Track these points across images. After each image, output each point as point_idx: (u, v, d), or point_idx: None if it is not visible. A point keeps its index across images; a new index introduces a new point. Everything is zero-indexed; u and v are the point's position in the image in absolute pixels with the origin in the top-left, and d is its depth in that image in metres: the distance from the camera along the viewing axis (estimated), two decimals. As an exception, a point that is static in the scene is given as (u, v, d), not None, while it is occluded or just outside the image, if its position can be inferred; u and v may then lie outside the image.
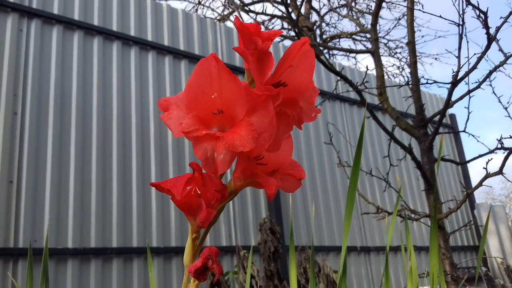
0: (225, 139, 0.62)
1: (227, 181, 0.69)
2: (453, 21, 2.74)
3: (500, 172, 2.43)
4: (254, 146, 0.64)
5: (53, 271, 3.01)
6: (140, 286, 3.31)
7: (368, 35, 6.23)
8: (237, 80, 0.67)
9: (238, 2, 5.02)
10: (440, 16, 2.78)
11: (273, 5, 3.39)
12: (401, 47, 6.87)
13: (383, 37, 6.59)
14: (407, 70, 6.80)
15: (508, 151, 2.36)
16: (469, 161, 3.00)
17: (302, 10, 6.09)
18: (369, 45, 6.63)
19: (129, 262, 3.32)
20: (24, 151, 3.10)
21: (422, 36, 6.42)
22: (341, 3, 6.13)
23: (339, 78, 3.30)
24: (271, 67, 0.70)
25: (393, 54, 6.96)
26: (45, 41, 3.41)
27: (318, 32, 6.44)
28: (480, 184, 2.52)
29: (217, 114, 0.68)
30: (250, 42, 0.72)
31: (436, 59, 7.59)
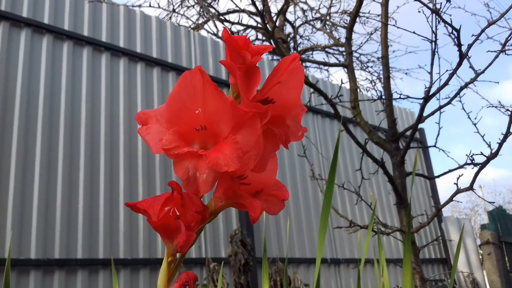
0: (209, 157, 0.57)
1: (205, 201, 0.65)
2: (426, 38, 2.78)
3: (470, 187, 2.46)
4: (239, 165, 0.60)
5: (15, 283, 2.88)
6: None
7: (341, 49, 6.29)
8: (223, 95, 0.64)
9: (213, 11, 5.00)
10: (414, 32, 2.81)
11: (249, 16, 3.38)
12: (373, 61, 6.98)
13: (355, 51, 6.68)
14: (379, 84, 6.91)
15: (479, 167, 2.39)
16: (439, 176, 3.04)
17: (277, 22, 6.12)
18: (341, 58, 6.71)
19: (94, 274, 3.22)
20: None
21: (393, 51, 6.55)
22: (315, 16, 6.19)
23: (312, 90, 3.30)
24: (258, 82, 0.66)
25: (365, 67, 7.06)
26: (12, 45, 3.29)
27: (292, 44, 6.47)
28: (450, 199, 2.55)
29: (200, 130, 0.64)
30: (238, 56, 0.68)
31: (406, 73, 7.72)
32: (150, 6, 3.13)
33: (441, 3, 2.84)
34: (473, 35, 2.89)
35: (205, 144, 0.63)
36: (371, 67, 7.27)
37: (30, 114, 3.23)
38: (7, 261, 0.69)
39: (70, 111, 3.42)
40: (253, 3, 2.40)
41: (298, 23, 7.03)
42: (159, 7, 3.64)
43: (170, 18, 5.77)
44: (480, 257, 6.02)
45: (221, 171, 0.57)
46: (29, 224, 3.02)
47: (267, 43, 7.20)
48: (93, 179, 3.39)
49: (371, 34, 4.80)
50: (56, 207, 3.16)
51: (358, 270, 0.93)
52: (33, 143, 3.18)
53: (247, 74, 0.65)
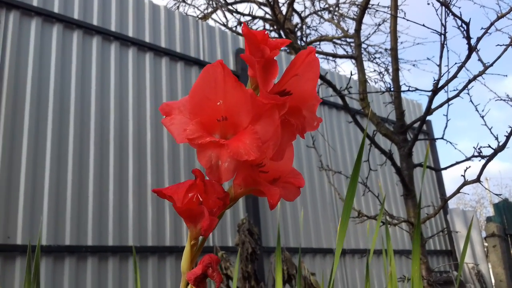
0: (230, 147, 0.61)
1: (225, 187, 0.68)
2: (435, 31, 2.79)
3: (477, 180, 2.49)
4: (259, 154, 0.63)
5: (25, 268, 2.94)
6: (115, 285, 3.26)
7: (349, 39, 6.28)
8: (243, 88, 0.67)
9: (222, 1, 5.00)
10: (423, 25, 2.82)
11: (259, 7, 3.38)
12: (380, 52, 6.96)
13: (363, 42, 6.67)
14: (387, 76, 6.89)
15: (487, 159, 2.41)
16: (446, 168, 3.06)
17: (284, 12, 6.11)
18: (349, 49, 6.71)
19: (104, 260, 3.27)
20: (-1, 146, 3.02)
21: (401, 43, 6.52)
22: (323, 6, 6.17)
23: (321, 82, 3.32)
24: (276, 75, 0.69)
25: (372, 59, 7.05)
26: (23, 33, 3.32)
27: (299, 34, 6.46)
28: (457, 191, 2.57)
29: (221, 120, 0.67)
30: (257, 50, 0.71)
31: (414, 65, 7.71)
32: (160, -4, 3.12)
33: (451, -5, 2.84)
34: (482, 28, 2.89)
35: (225, 133, 0.66)
36: (379, 58, 7.26)
37: (40, 105, 3.27)
38: (37, 249, 0.72)
39: (80, 100, 3.45)
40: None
41: (305, 13, 7.03)
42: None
43: (178, 7, 5.76)
44: (485, 249, 6.04)
45: (242, 159, 0.60)
46: (40, 212, 3.07)
47: (275, 34, 7.22)
48: (103, 169, 3.43)
49: (379, 25, 4.79)
50: (67, 194, 3.21)
51: (367, 261, 0.96)
52: (43, 133, 3.23)
53: (265, 67, 0.69)
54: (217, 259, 0.69)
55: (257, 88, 0.70)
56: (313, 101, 0.75)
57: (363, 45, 6.96)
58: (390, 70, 3.23)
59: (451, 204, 21.45)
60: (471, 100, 3.04)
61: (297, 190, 0.84)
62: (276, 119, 0.65)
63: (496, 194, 2.74)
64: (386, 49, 6.60)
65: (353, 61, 3.14)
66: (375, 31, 5.92)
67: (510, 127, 2.65)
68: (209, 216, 0.62)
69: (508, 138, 2.56)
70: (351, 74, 2.86)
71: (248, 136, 0.62)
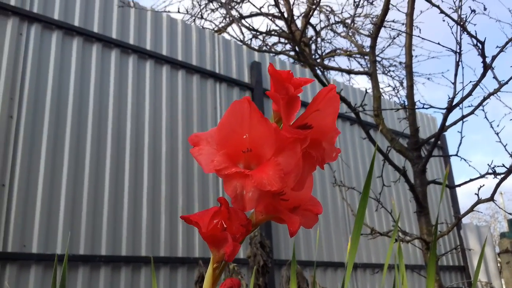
0: (254, 177, 0.64)
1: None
2: (450, 49, 2.80)
3: (491, 198, 2.48)
4: (281, 185, 0.67)
5: (41, 277, 2.99)
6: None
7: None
8: (268, 122, 0.70)
9: (236, 14, 5.05)
10: (439, 43, 2.84)
11: (273, 22, 3.43)
12: (395, 65, 6.96)
13: (377, 55, 6.67)
14: (402, 89, 6.88)
15: (501, 178, 2.41)
16: (460, 185, 3.06)
17: (299, 24, 6.16)
18: (363, 62, 6.71)
19: (117, 270, 3.31)
20: (18, 154, 3.09)
21: (416, 56, 6.51)
22: (336, 19, 6.21)
23: (336, 97, 3.33)
24: (297, 110, 0.73)
25: (386, 72, 7.05)
26: (44, 46, 3.40)
27: (313, 47, 6.50)
28: (471, 209, 2.57)
29: (246, 152, 0.69)
30: (281, 88, 0.75)
31: (428, 79, 7.67)
32: (178, 11, 3.17)
33: (466, 14, 2.86)
34: (497, 46, 2.90)
35: (249, 164, 0.70)
36: (393, 71, 7.25)
37: (59, 115, 3.34)
38: (64, 258, 0.75)
39: (98, 111, 3.52)
40: (281, 13, 2.45)
41: (320, 26, 7.07)
42: (187, 12, 3.71)
43: (194, 21, 5.83)
44: (499, 265, 5.98)
45: (265, 190, 0.63)
46: (56, 220, 3.13)
47: (289, 46, 7.27)
48: (118, 175, 3.49)
49: (394, 38, 4.80)
50: (83, 204, 3.26)
51: (384, 278, 0.98)
52: (61, 142, 3.29)
53: (288, 103, 0.72)
54: (239, 282, 0.73)
55: (280, 121, 0.74)
56: (332, 134, 0.79)
57: (378, 58, 6.97)
58: (405, 84, 3.23)
59: (465, 219, 21.21)
60: (486, 117, 3.04)
61: (315, 217, 0.87)
62: (298, 152, 0.68)
63: (510, 213, 2.73)
64: (400, 63, 6.62)
65: (369, 77, 3.16)
66: (389, 45, 5.94)
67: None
68: (232, 242, 0.65)
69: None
70: (366, 91, 2.88)
71: (271, 168, 0.65)
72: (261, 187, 0.63)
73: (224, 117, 0.69)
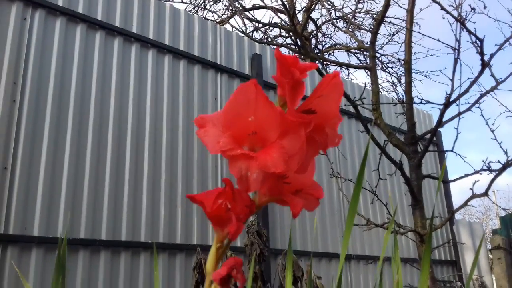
0: (259, 159, 0.67)
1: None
2: (450, 46, 2.85)
3: (485, 194, 2.55)
4: (285, 167, 0.70)
5: (42, 260, 3.03)
6: (126, 278, 3.36)
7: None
8: (273, 106, 0.74)
9: (239, 6, 5.08)
10: (438, 40, 2.89)
11: (276, 14, 3.46)
12: (393, 62, 7.00)
13: (377, 51, 6.71)
14: (400, 86, 6.92)
15: (495, 174, 2.47)
16: (455, 180, 3.12)
17: (300, 19, 6.19)
18: (362, 58, 6.76)
19: (116, 255, 3.37)
20: (20, 138, 3.12)
21: (414, 53, 6.55)
22: (338, 14, 6.24)
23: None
24: (302, 95, 0.77)
25: (385, 68, 7.09)
26: (48, 31, 3.43)
27: (314, 41, 6.53)
28: (465, 204, 2.63)
29: (251, 134, 0.74)
30: (287, 72, 0.78)
31: (426, 76, 7.72)
32: (182, 2, 3.21)
33: (466, 12, 2.90)
34: (496, 44, 2.94)
35: (254, 146, 0.73)
36: (392, 67, 7.28)
37: (62, 100, 3.37)
38: (64, 241, 0.79)
39: (100, 98, 3.56)
40: (284, 5, 2.49)
41: (321, 20, 7.09)
42: (190, 3, 3.74)
43: (197, 11, 5.86)
44: (490, 261, 6.07)
45: (269, 171, 0.67)
46: (58, 204, 3.17)
47: (290, 40, 7.32)
48: (119, 163, 3.53)
49: (393, 35, 4.85)
50: (84, 189, 3.31)
51: (381, 269, 1.02)
52: (64, 127, 3.33)
53: (293, 88, 0.76)
54: (241, 261, 0.76)
55: (284, 106, 0.78)
56: (335, 120, 0.83)
57: (377, 55, 7.00)
58: (403, 80, 3.27)
59: (458, 215, 21.36)
60: (482, 114, 3.09)
61: (317, 201, 0.89)
62: (302, 136, 0.73)
63: (504, 209, 2.79)
64: (399, 59, 6.67)
65: (367, 71, 3.20)
66: (388, 41, 5.99)
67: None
68: (236, 221, 0.68)
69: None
70: (365, 85, 2.93)
71: (275, 150, 0.68)
72: (265, 169, 0.66)
73: (231, 100, 0.72)
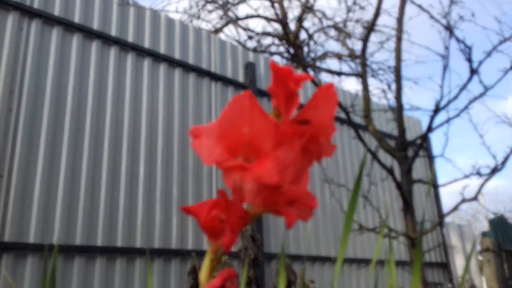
0: (253, 170, 0.68)
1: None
2: (439, 53, 2.93)
3: (475, 198, 2.62)
4: (280, 178, 0.73)
5: (37, 267, 3.05)
6: (122, 284, 3.39)
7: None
8: (267, 117, 0.75)
9: (233, 16, 5.16)
10: (428, 48, 2.96)
11: (269, 23, 3.52)
12: (383, 69, 7.08)
13: (367, 59, 6.76)
14: (390, 92, 6.96)
15: (485, 178, 2.54)
16: (445, 185, 3.18)
17: (292, 27, 6.28)
18: (353, 65, 6.85)
19: (112, 261, 3.39)
20: (17, 147, 3.15)
21: (404, 61, 6.65)
22: (330, 24, 6.30)
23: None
24: (297, 106, 0.80)
25: (375, 75, 7.16)
26: (44, 41, 3.47)
27: (306, 49, 6.60)
28: (455, 208, 2.70)
29: (245, 146, 0.76)
30: (282, 83, 0.81)
31: (415, 83, 7.80)
32: (176, 11, 3.26)
33: (454, 20, 2.98)
34: (484, 52, 3.02)
35: (248, 157, 0.75)
36: (382, 74, 7.37)
37: (58, 110, 3.41)
38: (54, 250, 0.82)
39: (96, 107, 3.60)
40: (276, 15, 2.55)
41: (313, 29, 7.17)
42: (185, 12, 3.80)
43: (191, 21, 5.92)
44: (480, 263, 6.15)
45: (264, 182, 0.67)
46: (54, 212, 3.20)
47: (283, 48, 7.39)
48: (115, 170, 3.57)
49: (383, 43, 4.93)
50: (80, 196, 3.34)
51: (376, 273, 1.06)
52: (60, 136, 3.37)
53: (288, 99, 0.80)
54: (235, 273, 0.73)
55: (279, 116, 0.82)
56: (330, 130, 0.86)
57: (367, 62, 7.07)
58: (393, 87, 3.34)
59: (447, 218, 21.42)
60: (471, 120, 3.17)
61: (311, 211, 0.90)
62: (297, 146, 0.73)
63: (494, 213, 2.86)
64: (389, 67, 6.75)
65: (358, 78, 3.27)
66: (379, 49, 6.05)
67: (509, 147, 2.77)
68: (230, 233, 0.68)
69: (506, 159, 2.69)
70: (357, 93, 2.99)
71: (270, 161, 0.69)
72: (260, 180, 0.67)
73: (225, 111, 0.74)
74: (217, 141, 0.70)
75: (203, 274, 0.68)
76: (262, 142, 0.73)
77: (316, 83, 2.92)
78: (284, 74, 0.81)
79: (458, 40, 2.88)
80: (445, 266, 6.18)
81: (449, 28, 2.98)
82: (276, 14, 2.76)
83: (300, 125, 0.78)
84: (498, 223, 6.46)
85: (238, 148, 0.72)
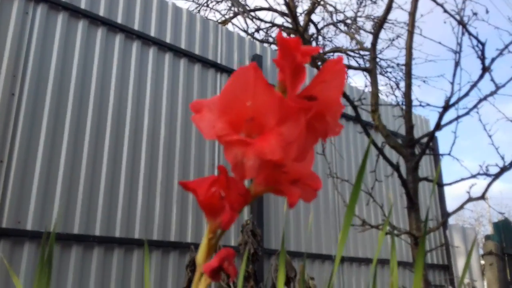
0: (255, 146, 0.64)
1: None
2: (451, 49, 2.86)
3: (482, 197, 2.55)
4: (283, 155, 0.68)
5: (34, 253, 3.02)
6: (119, 275, 3.34)
7: (362, 52, 6.35)
8: (272, 90, 0.71)
9: (243, 8, 5.09)
10: (440, 43, 2.89)
11: (282, 16, 3.46)
12: (392, 66, 7.02)
13: (377, 55, 6.71)
14: (398, 90, 6.93)
15: (493, 177, 2.47)
16: (451, 183, 3.12)
17: (302, 21, 6.20)
18: (361, 61, 6.79)
19: (110, 251, 3.35)
20: (18, 132, 3.11)
21: (414, 59, 6.58)
22: (340, 18, 6.26)
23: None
24: (303, 80, 0.75)
25: (384, 72, 7.11)
26: (49, 26, 3.43)
27: (314, 44, 6.54)
28: (461, 207, 2.64)
29: (248, 120, 0.72)
30: (288, 55, 0.76)
31: (424, 81, 7.76)
32: (185, 0, 3.22)
33: (468, 16, 2.90)
34: (497, 49, 2.95)
35: (251, 133, 0.71)
36: (390, 72, 7.31)
37: (61, 95, 3.37)
38: (51, 235, 0.78)
39: (99, 94, 3.56)
40: (288, 7, 2.49)
41: (321, 24, 7.10)
42: (193, 1, 3.75)
43: (199, 11, 5.87)
44: (482, 266, 6.08)
45: (266, 159, 0.64)
46: (53, 199, 3.16)
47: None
48: (116, 159, 3.53)
49: (393, 40, 4.85)
50: (79, 184, 3.30)
51: (375, 271, 1.01)
52: (62, 122, 3.33)
53: (294, 72, 0.74)
54: (233, 252, 0.72)
55: (285, 92, 0.76)
56: (337, 108, 0.80)
57: (376, 58, 7.00)
58: (401, 85, 3.27)
59: (451, 220, 21.41)
60: (480, 119, 3.10)
61: (314, 192, 0.86)
62: (302, 122, 0.69)
63: (500, 213, 2.79)
64: (398, 64, 6.69)
65: (365, 73, 3.20)
66: (388, 46, 6.00)
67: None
68: (230, 210, 0.65)
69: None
70: (366, 87, 2.93)
71: (273, 137, 0.66)
72: (262, 156, 0.63)
73: (228, 84, 0.70)
74: (219, 115, 0.67)
75: (200, 254, 0.65)
76: (266, 117, 0.69)
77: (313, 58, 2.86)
78: (291, 46, 0.75)
79: (471, 35, 2.80)
80: (447, 268, 6.12)
81: (462, 23, 2.91)
82: (287, 4, 2.69)
83: (306, 100, 0.73)
84: (502, 227, 6.39)
85: (240, 123, 0.68)
